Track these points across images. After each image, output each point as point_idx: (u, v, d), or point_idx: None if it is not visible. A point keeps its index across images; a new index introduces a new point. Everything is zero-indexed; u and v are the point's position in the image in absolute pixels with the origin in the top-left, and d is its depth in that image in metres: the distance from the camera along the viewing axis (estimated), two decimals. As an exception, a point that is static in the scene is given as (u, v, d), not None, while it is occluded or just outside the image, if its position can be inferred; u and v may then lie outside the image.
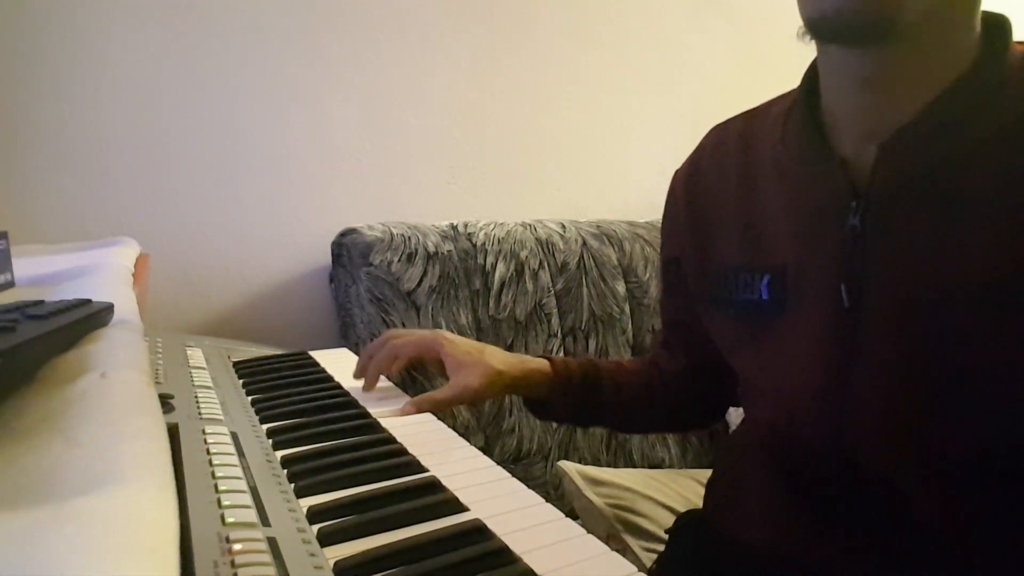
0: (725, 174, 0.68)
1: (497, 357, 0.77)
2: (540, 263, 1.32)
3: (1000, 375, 0.49)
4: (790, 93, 0.64)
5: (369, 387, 0.73)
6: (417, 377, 0.89)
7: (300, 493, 0.44)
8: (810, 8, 0.51)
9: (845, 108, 0.56)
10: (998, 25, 0.52)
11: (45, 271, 0.78)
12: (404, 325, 1.16)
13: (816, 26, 0.52)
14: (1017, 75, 0.51)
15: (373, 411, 0.63)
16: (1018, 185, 0.48)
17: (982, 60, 0.51)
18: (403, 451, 0.53)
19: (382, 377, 0.75)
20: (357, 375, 0.75)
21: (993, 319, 0.49)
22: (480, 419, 1.21)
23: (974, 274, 0.49)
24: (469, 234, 1.29)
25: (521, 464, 1.23)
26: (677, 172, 0.75)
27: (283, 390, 0.67)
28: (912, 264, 0.52)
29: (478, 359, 0.75)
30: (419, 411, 0.67)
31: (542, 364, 0.79)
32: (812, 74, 0.60)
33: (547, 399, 0.79)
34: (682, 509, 0.93)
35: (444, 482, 0.47)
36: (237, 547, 0.33)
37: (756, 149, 0.65)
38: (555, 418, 0.84)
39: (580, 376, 0.79)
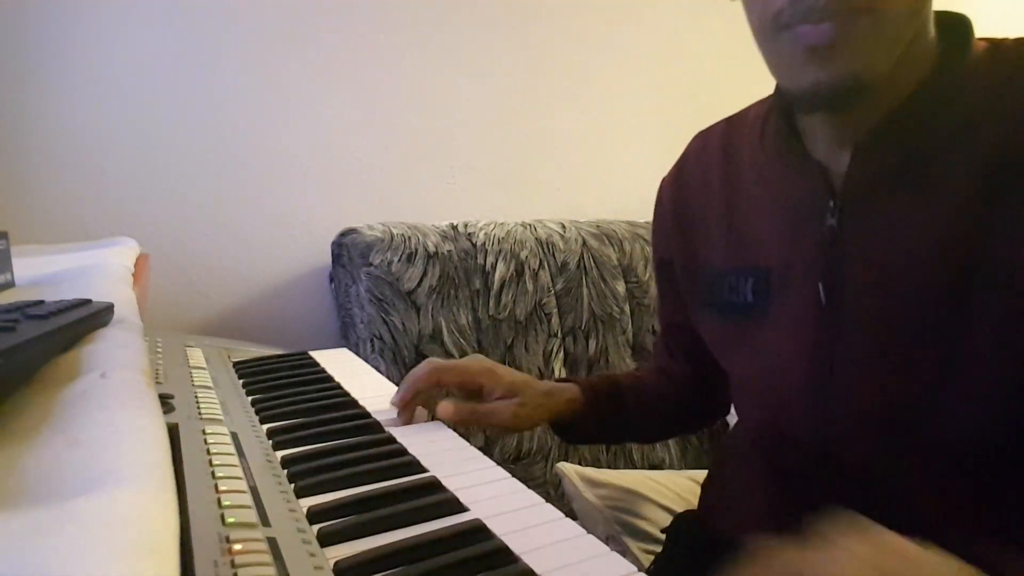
0: (709, 179, 0.69)
1: (538, 389, 0.74)
2: (540, 263, 1.32)
3: (978, 366, 0.50)
4: (767, 98, 0.65)
5: (405, 415, 0.64)
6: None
7: (300, 493, 0.44)
8: (788, 83, 0.54)
9: (818, 120, 0.57)
10: (956, 24, 0.54)
11: (45, 271, 0.78)
12: (404, 325, 1.16)
13: (797, 101, 0.55)
14: (979, 71, 0.52)
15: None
16: (986, 177, 0.49)
17: (942, 60, 0.52)
18: (403, 451, 0.53)
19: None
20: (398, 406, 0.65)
21: (967, 311, 0.49)
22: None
23: (946, 267, 0.50)
24: (469, 234, 1.29)
25: (521, 464, 1.23)
26: (664, 179, 0.77)
27: (283, 390, 0.67)
28: (887, 259, 0.53)
29: (522, 390, 0.72)
30: (456, 415, 0.65)
31: (572, 390, 0.78)
32: None
33: (577, 422, 0.78)
34: (681, 510, 0.93)
35: (444, 482, 0.47)
36: (237, 547, 0.33)
37: (737, 153, 0.67)
38: (582, 440, 0.83)
39: (606, 396, 0.79)
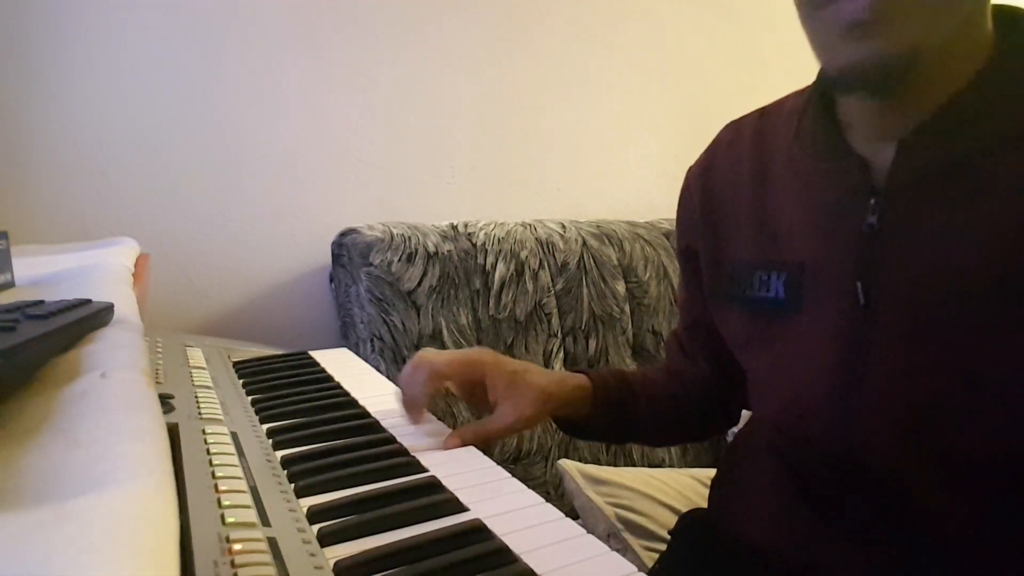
0: (739, 171, 0.67)
1: (542, 378, 0.71)
2: (540, 263, 1.32)
3: (1014, 375, 0.49)
4: (804, 90, 0.64)
5: (416, 418, 0.63)
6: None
7: (300, 493, 0.44)
8: (827, 63, 0.52)
9: (861, 111, 0.56)
10: (1015, 19, 0.52)
11: (45, 271, 0.78)
12: (404, 325, 1.16)
13: (836, 81, 0.53)
14: None
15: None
16: None
17: (1000, 55, 0.51)
18: (403, 451, 0.53)
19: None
20: (407, 410, 0.64)
21: (1008, 318, 0.48)
22: (479, 418, 1.21)
23: (990, 273, 0.49)
24: (469, 234, 1.29)
25: (521, 464, 1.23)
26: (691, 168, 0.75)
27: (283, 390, 0.67)
28: (928, 263, 0.51)
29: (524, 380, 0.70)
30: (464, 444, 0.60)
31: (582, 381, 0.75)
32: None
33: (587, 417, 0.75)
34: (683, 508, 0.93)
35: (444, 482, 0.47)
36: (237, 547, 0.33)
37: (770, 146, 0.65)
38: (590, 436, 0.81)
39: (617, 391, 0.76)
